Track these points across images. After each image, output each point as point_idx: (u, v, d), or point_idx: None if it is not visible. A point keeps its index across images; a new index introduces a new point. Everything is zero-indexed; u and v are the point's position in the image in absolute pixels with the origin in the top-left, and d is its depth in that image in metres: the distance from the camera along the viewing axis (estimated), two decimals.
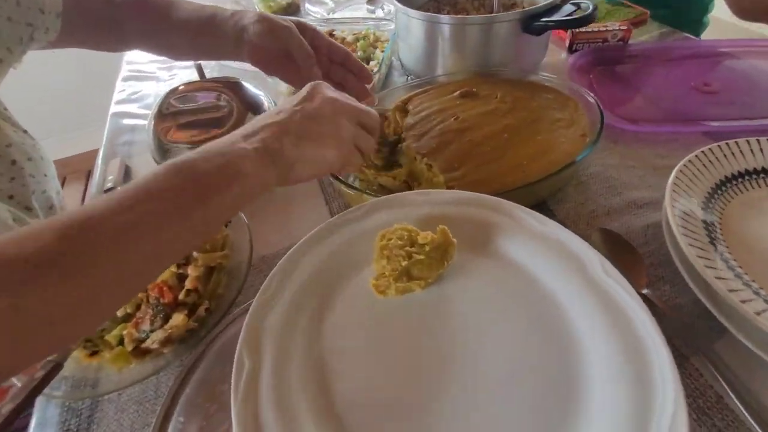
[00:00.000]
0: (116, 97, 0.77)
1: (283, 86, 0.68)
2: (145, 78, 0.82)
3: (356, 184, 0.51)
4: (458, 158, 0.43)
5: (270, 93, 0.57)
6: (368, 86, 0.54)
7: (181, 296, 0.39)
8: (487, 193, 0.37)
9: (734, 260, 0.37)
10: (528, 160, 0.42)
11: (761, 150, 0.44)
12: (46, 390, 0.32)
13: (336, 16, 0.92)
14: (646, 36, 0.78)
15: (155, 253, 0.27)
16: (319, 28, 0.79)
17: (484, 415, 0.26)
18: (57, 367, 0.33)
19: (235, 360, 0.28)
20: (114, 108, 0.74)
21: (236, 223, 0.45)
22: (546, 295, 0.31)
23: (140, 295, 0.40)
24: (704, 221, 0.39)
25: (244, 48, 0.48)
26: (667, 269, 0.40)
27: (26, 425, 0.36)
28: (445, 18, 0.56)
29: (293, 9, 0.98)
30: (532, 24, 0.53)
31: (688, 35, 0.77)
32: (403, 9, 0.59)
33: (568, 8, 0.54)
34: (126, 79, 0.83)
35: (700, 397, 0.32)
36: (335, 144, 0.34)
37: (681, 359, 0.34)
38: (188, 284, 0.39)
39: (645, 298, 0.36)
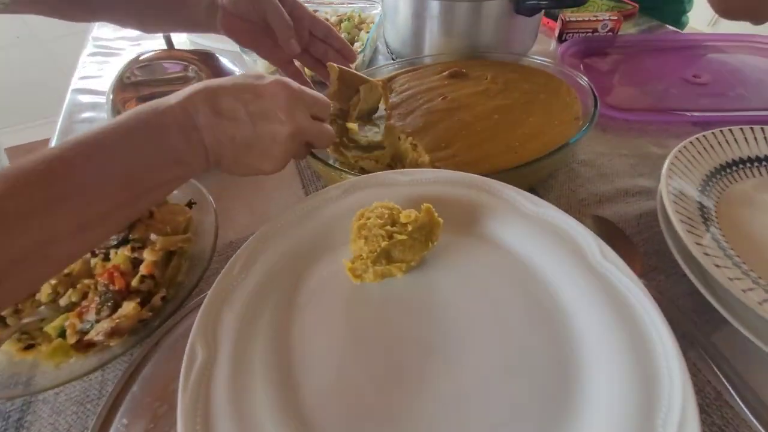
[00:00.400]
0: (79, 72, 0.72)
1: (261, 65, 0.64)
2: (113, 54, 0.77)
3: (336, 166, 0.47)
4: (446, 138, 0.40)
5: (247, 71, 0.53)
6: (351, 65, 0.50)
7: (134, 283, 0.34)
8: (476, 174, 0.34)
9: (731, 249, 0.35)
10: (521, 141, 0.40)
11: (755, 138, 0.43)
12: None
13: None
14: (635, 29, 0.77)
15: (73, 231, 0.24)
16: None
17: (472, 415, 0.23)
18: None
19: (186, 351, 0.25)
20: (76, 84, 0.69)
21: (201, 204, 0.41)
22: (540, 281, 0.28)
23: (87, 281, 0.35)
24: (700, 207, 0.37)
25: (218, 16, 0.44)
26: (662, 259, 0.38)
27: None
28: None
29: None
30: (524, 3, 0.51)
31: (677, 29, 0.77)
32: None
33: None
34: (92, 54, 0.77)
35: (698, 394, 0.30)
36: (275, 162, 0.32)
37: None
38: (143, 269, 0.35)
39: None
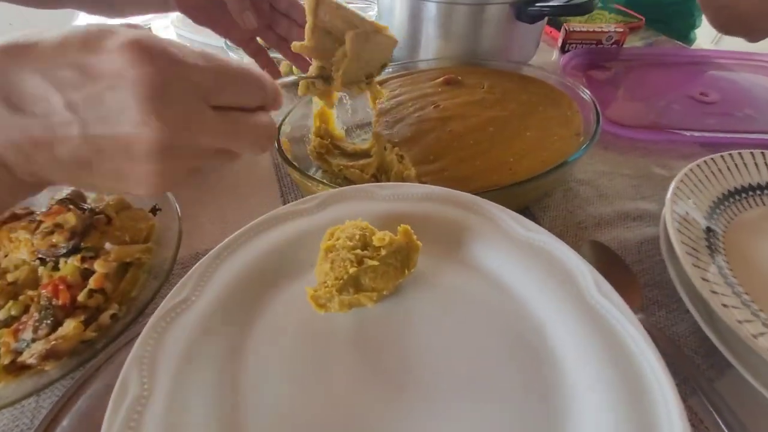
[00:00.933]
0: None
1: (248, 59, 0.60)
2: None
3: (318, 175, 0.44)
4: (435, 150, 0.37)
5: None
6: None
7: (80, 297, 0.31)
8: (465, 191, 0.31)
9: (740, 285, 0.32)
10: (516, 157, 0.37)
11: (766, 164, 0.40)
12: None
13: None
14: (641, 42, 0.75)
15: None
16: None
17: None
18: None
19: (116, 385, 0.21)
20: None
21: (167, 210, 0.38)
22: (528, 316, 0.25)
23: (32, 293, 0.32)
24: (707, 238, 0.34)
25: None
26: (663, 291, 0.35)
27: None
28: None
29: None
30: (526, 9, 0.48)
31: (684, 45, 0.74)
32: None
33: None
34: None
35: None
36: (145, 184, 0.20)
37: None
38: (92, 283, 0.32)
39: None
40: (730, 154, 0.40)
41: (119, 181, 0.20)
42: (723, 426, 0.27)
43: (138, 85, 0.17)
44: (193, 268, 0.27)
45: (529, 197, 0.39)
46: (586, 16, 0.76)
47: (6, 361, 0.29)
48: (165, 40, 0.19)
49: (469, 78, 0.48)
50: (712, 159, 0.39)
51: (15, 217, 0.36)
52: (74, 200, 0.37)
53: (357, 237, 0.24)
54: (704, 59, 0.65)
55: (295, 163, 0.35)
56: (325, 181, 0.35)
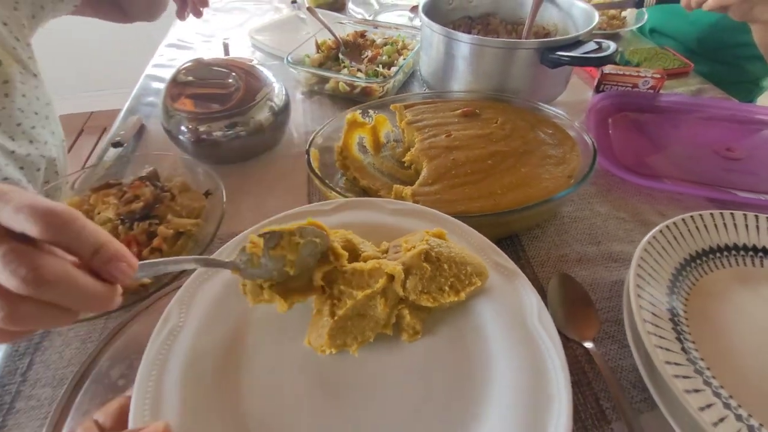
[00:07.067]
0: (155, 60, 0.83)
1: (303, 77, 0.70)
2: (185, 47, 0.87)
3: (342, 180, 0.51)
4: (435, 175, 0.43)
5: (288, 82, 0.58)
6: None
7: (145, 252, 0.41)
8: (449, 213, 0.37)
9: (692, 342, 0.35)
10: (503, 189, 0.42)
11: (735, 225, 0.41)
12: None
13: (379, 19, 0.94)
14: (684, 89, 0.75)
15: None
16: (354, 26, 0.81)
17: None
18: None
19: (162, 315, 0.30)
20: (149, 70, 0.80)
21: (216, 195, 0.47)
22: (476, 328, 0.31)
23: None
24: (669, 292, 0.37)
25: None
26: (621, 329, 0.38)
27: None
28: (464, 37, 0.56)
29: (339, 5, 1.02)
30: (548, 56, 0.53)
31: (729, 96, 0.73)
32: (427, 22, 0.60)
33: (590, 46, 0.53)
34: (169, 45, 0.89)
35: None
36: None
37: (603, 423, 0.32)
38: (155, 243, 0.42)
39: (585, 352, 0.35)
40: (721, 214, 0.42)
41: None
42: None
43: None
44: (237, 238, 0.35)
45: (512, 227, 0.44)
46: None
47: None
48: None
49: (486, 112, 0.53)
50: (699, 215, 0.41)
51: (108, 185, 0.48)
52: (151, 178, 0.47)
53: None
54: (742, 115, 0.64)
55: (317, 172, 0.43)
56: (344, 187, 0.43)
